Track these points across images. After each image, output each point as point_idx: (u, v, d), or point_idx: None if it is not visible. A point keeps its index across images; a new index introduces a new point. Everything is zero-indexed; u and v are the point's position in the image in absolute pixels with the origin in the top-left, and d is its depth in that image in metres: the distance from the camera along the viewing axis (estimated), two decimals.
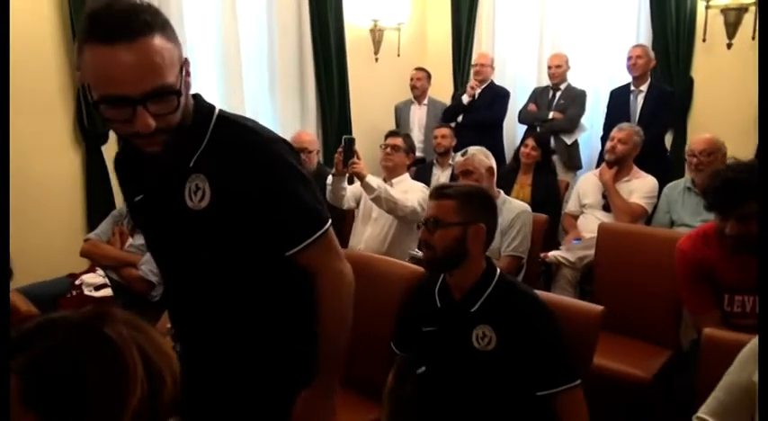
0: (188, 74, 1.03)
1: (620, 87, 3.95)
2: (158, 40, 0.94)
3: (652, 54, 3.88)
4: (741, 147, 3.90)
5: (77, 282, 2.36)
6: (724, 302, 1.85)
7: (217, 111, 1.12)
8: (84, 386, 0.63)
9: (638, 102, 3.78)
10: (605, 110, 4.04)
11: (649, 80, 3.83)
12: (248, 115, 3.85)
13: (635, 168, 3.14)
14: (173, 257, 1.20)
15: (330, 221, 1.16)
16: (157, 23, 0.95)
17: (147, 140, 1.00)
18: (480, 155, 2.67)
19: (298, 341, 1.20)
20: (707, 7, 4.00)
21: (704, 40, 4.08)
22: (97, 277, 2.37)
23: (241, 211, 1.08)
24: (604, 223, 2.63)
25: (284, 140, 1.15)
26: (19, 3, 2.92)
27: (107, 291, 2.30)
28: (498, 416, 1.42)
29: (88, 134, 3.23)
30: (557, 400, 1.38)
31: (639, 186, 3.05)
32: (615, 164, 3.11)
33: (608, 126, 3.65)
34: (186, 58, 1.03)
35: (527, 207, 2.60)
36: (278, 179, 1.09)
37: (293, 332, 1.20)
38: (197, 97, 1.11)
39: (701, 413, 1.25)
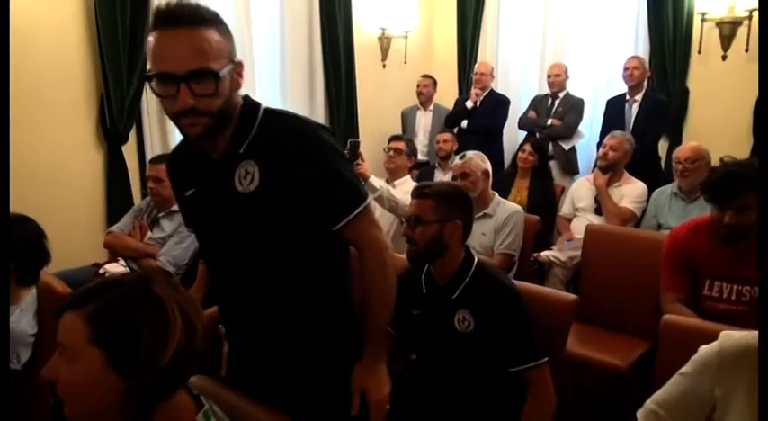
0: (239, 75, 1.17)
1: (616, 97, 4.11)
2: (211, 33, 1.08)
3: (647, 65, 4.04)
4: (735, 153, 4.03)
5: (101, 271, 2.55)
6: (704, 286, 2.02)
7: (263, 106, 1.24)
8: (138, 331, 0.82)
9: (632, 111, 3.94)
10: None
11: (644, 90, 3.99)
12: None
13: (626, 174, 3.30)
14: (222, 244, 1.26)
15: (370, 196, 1.26)
16: (213, 20, 1.10)
17: (190, 120, 1.11)
18: (477, 159, 2.85)
19: (342, 316, 1.30)
20: (703, 20, 4.14)
21: (699, 52, 4.23)
22: (119, 267, 2.56)
23: (289, 190, 1.16)
24: (591, 225, 2.79)
25: (325, 126, 1.28)
26: (47, 16, 3.14)
27: None
28: (477, 390, 1.59)
29: (110, 135, 3.44)
30: (526, 375, 1.53)
31: (629, 191, 3.21)
32: (607, 169, 3.27)
33: (604, 133, 3.79)
34: (240, 61, 1.17)
35: (519, 208, 2.77)
36: (322, 159, 1.19)
37: (337, 307, 1.29)
38: (245, 97, 1.23)
39: (653, 403, 1.32)
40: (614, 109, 4.04)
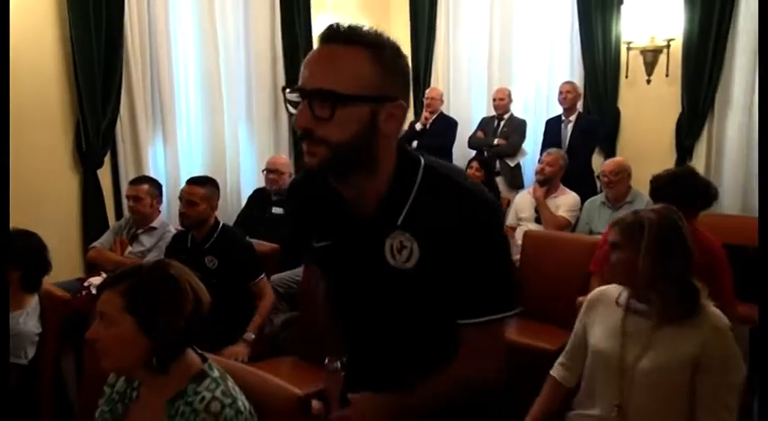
0: (392, 117, 0.98)
1: (553, 117, 4.55)
2: (359, 55, 0.95)
3: (580, 89, 4.49)
4: (662, 165, 4.43)
5: (86, 284, 2.76)
6: None
7: (423, 161, 1.05)
8: (159, 301, 1.10)
9: (568, 130, 4.38)
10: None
11: (578, 111, 4.43)
12: (228, 141, 4.32)
13: (561, 186, 3.69)
14: (359, 303, 1.14)
15: (515, 311, 1.07)
16: (372, 45, 0.96)
17: (307, 146, 0.98)
18: None
19: None
20: (628, 49, 4.62)
21: (627, 77, 4.70)
22: (102, 280, 2.77)
23: (447, 274, 1.02)
24: (529, 230, 3.16)
25: (497, 204, 1.13)
26: (26, 47, 3.38)
27: None
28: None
29: (86, 159, 3.65)
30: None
31: (564, 202, 3.60)
32: (545, 183, 3.66)
33: (544, 151, 4.21)
34: (400, 104, 0.99)
35: None
36: (492, 251, 1.03)
37: None
38: (401, 146, 1.05)
39: (560, 357, 1.74)
40: (552, 128, 4.47)
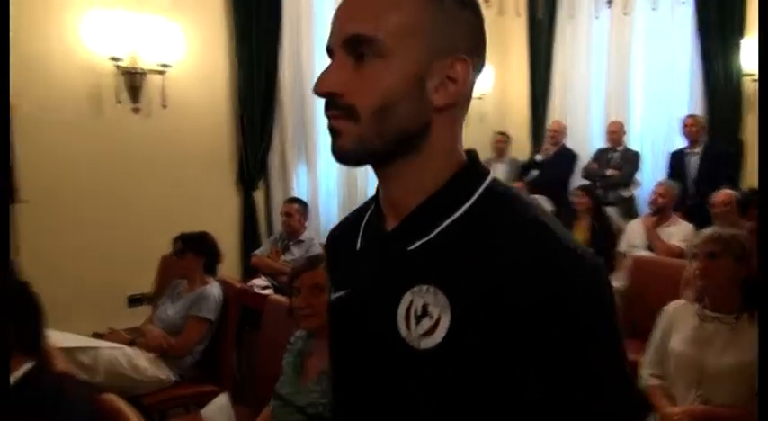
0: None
1: (677, 150, 4.61)
2: None
3: (703, 122, 4.55)
4: None
5: (249, 284, 3.37)
6: None
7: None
8: None
9: (692, 162, 4.44)
10: (666, 168, 4.69)
11: (704, 143, 4.49)
12: (359, 168, 4.84)
13: (674, 216, 3.80)
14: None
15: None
16: None
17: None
18: (542, 201, 3.50)
19: None
20: (752, 81, 4.61)
21: (750, 108, 4.68)
22: (263, 281, 3.37)
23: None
24: (636, 257, 3.34)
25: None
26: (200, 88, 4.16)
27: (269, 291, 3.28)
28: None
29: (245, 183, 4.38)
30: None
31: (677, 231, 3.70)
32: (657, 213, 3.80)
33: None
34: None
35: None
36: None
37: None
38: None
39: (645, 368, 1.93)
40: (676, 160, 4.55)
